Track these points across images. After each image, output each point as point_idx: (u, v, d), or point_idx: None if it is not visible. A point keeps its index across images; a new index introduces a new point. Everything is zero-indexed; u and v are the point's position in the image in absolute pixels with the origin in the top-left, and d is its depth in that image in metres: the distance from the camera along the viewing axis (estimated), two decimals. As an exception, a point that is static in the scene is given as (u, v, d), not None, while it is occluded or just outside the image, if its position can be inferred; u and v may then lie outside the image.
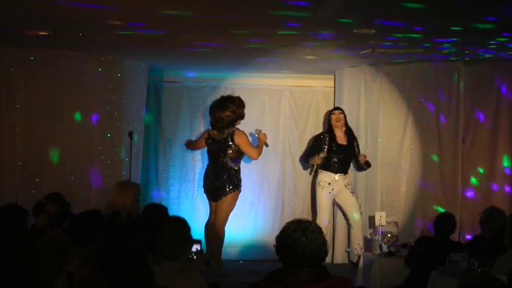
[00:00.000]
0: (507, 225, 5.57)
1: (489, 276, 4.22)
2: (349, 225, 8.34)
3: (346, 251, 8.41)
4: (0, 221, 5.08)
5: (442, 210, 8.25)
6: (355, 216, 8.14)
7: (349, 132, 8.22)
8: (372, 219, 8.08)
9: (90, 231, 4.45)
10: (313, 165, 7.98)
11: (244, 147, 7.64)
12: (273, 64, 8.48)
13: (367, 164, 8.22)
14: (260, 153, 7.76)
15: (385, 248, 6.95)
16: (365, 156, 8.19)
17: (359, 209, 8.16)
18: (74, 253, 4.29)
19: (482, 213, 6.11)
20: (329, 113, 8.44)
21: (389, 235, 7.12)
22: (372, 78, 8.54)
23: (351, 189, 8.19)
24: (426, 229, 7.55)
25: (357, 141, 8.28)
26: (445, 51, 7.51)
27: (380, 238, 7.24)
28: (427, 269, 5.65)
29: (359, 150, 8.27)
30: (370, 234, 7.78)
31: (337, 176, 8.09)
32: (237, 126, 7.68)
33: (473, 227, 8.00)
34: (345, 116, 8.25)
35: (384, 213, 7.68)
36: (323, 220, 7.99)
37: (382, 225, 7.49)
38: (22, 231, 5.15)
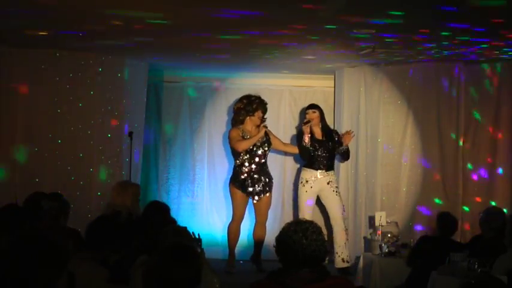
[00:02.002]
0: (507, 225, 5.56)
1: (489, 276, 4.21)
2: (332, 227, 8.00)
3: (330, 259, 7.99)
4: (0, 221, 5.08)
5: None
6: (335, 216, 7.92)
7: (325, 128, 8.01)
8: (372, 219, 8.07)
9: (105, 238, 4.43)
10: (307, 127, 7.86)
11: (230, 143, 8.04)
12: (273, 64, 8.48)
13: (347, 152, 8.02)
14: (246, 145, 7.89)
15: (385, 248, 6.95)
16: (350, 137, 7.94)
17: (341, 209, 7.91)
18: (86, 255, 4.28)
19: (482, 213, 6.11)
20: (304, 111, 8.31)
21: (389, 235, 7.12)
22: (372, 78, 8.54)
23: (336, 187, 7.94)
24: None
25: (337, 134, 8.05)
26: (445, 51, 7.51)
27: (380, 238, 7.24)
28: (428, 269, 5.64)
29: (340, 141, 7.99)
30: (370, 234, 7.78)
31: (318, 174, 7.91)
32: (263, 125, 8.01)
33: (474, 227, 8.00)
34: (320, 113, 7.99)
35: (383, 213, 7.68)
36: (309, 218, 7.78)
37: (382, 225, 7.48)
38: (22, 231, 5.14)
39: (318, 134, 7.99)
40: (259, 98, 8.13)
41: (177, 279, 2.93)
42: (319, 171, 7.92)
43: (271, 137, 8.18)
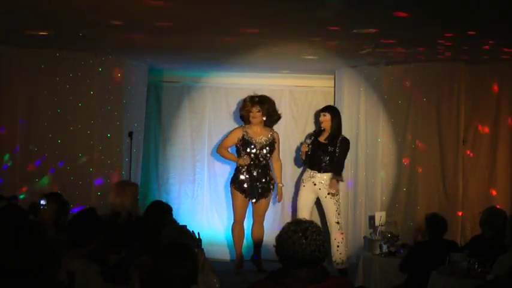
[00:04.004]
0: (507, 225, 5.56)
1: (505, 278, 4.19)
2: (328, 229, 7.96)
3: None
4: (0, 221, 5.09)
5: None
6: (330, 219, 7.90)
7: (331, 134, 7.90)
8: (372, 219, 8.06)
9: (88, 230, 4.45)
10: (303, 152, 7.92)
11: None
12: (273, 64, 8.48)
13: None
14: (222, 154, 8.20)
15: (385, 248, 6.95)
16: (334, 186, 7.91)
17: (336, 212, 7.86)
18: (74, 253, 4.30)
19: (482, 213, 6.11)
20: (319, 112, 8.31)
21: (389, 235, 7.11)
22: (372, 78, 8.54)
23: (327, 191, 7.85)
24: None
25: (340, 145, 7.88)
26: (445, 52, 7.51)
27: (380, 238, 7.23)
28: (427, 270, 5.64)
29: (338, 154, 7.90)
30: (370, 234, 7.77)
31: (314, 174, 7.89)
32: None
33: (474, 227, 8.00)
34: (332, 116, 7.92)
35: (383, 213, 7.67)
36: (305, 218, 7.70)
37: (382, 225, 7.48)
38: (21, 231, 5.15)
39: (324, 137, 7.95)
40: (249, 96, 8.12)
41: (173, 277, 2.93)
42: (316, 172, 7.90)
43: (275, 146, 8.07)
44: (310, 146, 7.91)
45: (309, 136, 8.10)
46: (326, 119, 7.94)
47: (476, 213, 7.02)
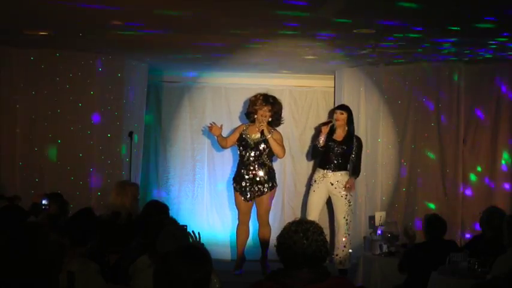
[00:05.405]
0: (504, 225, 5.56)
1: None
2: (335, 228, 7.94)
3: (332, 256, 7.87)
4: (0, 221, 5.08)
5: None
6: (339, 219, 7.79)
7: (348, 133, 7.81)
8: (372, 219, 8.07)
9: (85, 230, 4.46)
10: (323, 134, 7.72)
11: None
12: (273, 64, 8.48)
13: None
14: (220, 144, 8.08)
15: (385, 248, 6.95)
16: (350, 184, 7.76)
17: (344, 213, 7.72)
18: (73, 253, 4.30)
19: (482, 213, 6.11)
20: (332, 111, 8.28)
21: (389, 235, 7.11)
22: (372, 78, 8.54)
23: (342, 189, 7.70)
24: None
25: (356, 145, 7.81)
26: (445, 51, 7.51)
27: (380, 238, 7.23)
28: (426, 271, 5.64)
29: (356, 155, 7.82)
30: (370, 234, 7.77)
31: (327, 173, 7.74)
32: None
33: (474, 226, 8.01)
34: (348, 115, 7.78)
35: (383, 213, 7.67)
36: (314, 218, 7.59)
37: (382, 225, 7.48)
38: (21, 231, 5.14)
39: (339, 136, 7.79)
40: (261, 94, 7.94)
41: (187, 279, 2.94)
42: (328, 170, 7.81)
43: (270, 143, 7.76)
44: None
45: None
46: (343, 117, 7.77)
47: (476, 212, 7.02)
